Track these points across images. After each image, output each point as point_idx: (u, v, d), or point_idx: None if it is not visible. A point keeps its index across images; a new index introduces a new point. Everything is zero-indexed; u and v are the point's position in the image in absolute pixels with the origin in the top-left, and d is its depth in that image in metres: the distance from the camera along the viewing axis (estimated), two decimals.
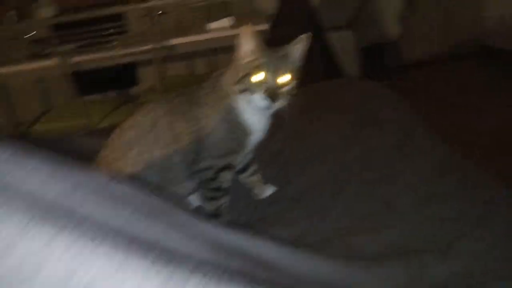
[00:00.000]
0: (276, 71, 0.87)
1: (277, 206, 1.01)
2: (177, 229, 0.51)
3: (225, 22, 2.32)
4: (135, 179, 0.88)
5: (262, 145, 1.01)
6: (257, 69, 0.87)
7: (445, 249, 0.76)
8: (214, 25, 2.31)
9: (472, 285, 0.68)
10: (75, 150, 1.33)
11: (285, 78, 0.89)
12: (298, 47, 0.92)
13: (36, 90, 2.73)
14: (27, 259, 0.30)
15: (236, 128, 0.93)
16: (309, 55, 2.47)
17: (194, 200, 1.03)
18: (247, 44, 0.90)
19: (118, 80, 2.96)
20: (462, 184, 0.95)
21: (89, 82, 2.49)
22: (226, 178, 0.96)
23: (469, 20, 3.90)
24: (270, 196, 1.05)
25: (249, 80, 0.87)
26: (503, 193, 0.90)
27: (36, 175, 0.42)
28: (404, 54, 3.95)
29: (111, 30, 2.39)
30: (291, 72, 0.90)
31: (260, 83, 0.87)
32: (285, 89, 0.89)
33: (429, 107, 2.35)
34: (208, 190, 0.96)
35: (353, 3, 3.40)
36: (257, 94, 0.87)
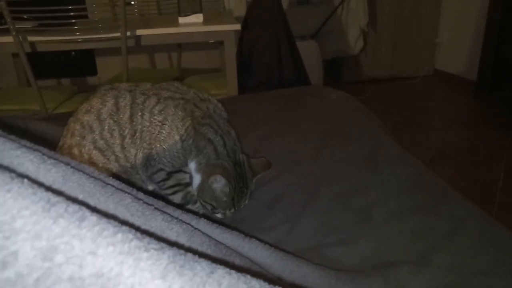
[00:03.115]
0: None
1: (248, 211, 0.98)
2: (173, 224, 0.47)
3: (194, 18, 2.27)
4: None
5: None
6: None
7: (420, 262, 0.77)
8: (183, 20, 2.25)
9: None
10: (32, 133, 1.24)
11: None
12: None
13: None
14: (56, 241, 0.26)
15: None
16: (279, 60, 2.48)
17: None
18: None
19: (75, 67, 2.82)
20: (430, 198, 0.98)
21: (43, 65, 2.34)
22: (182, 177, 0.93)
23: (424, 44, 4.12)
24: None
25: None
26: (469, 208, 0.94)
27: (29, 159, 0.37)
28: (362, 70, 4.10)
29: (72, 13, 2.26)
30: None
31: None
32: None
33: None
34: (167, 188, 0.92)
35: (318, 16, 3.48)
36: None
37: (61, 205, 0.27)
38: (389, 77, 4.09)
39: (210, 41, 2.90)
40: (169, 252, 0.28)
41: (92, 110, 0.90)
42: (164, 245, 0.28)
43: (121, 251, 0.26)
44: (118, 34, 2.01)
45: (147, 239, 0.28)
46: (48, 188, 0.29)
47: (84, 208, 0.28)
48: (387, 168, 1.10)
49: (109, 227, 0.27)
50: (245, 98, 1.86)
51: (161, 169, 0.90)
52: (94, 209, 0.29)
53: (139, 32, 2.12)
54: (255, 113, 1.52)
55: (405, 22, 3.98)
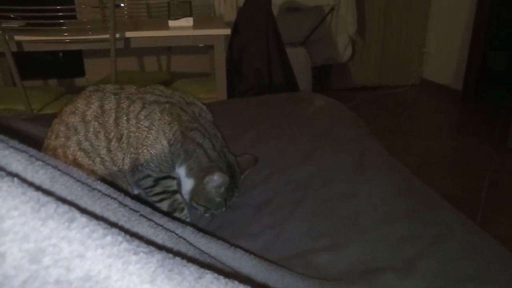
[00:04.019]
0: None
1: (236, 215, 0.97)
2: (160, 230, 0.47)
3: (184, 21, 2.27)
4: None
5: None
6: None
7: (406, 268, 0.77)
8: (173, 23, 2.25)
9: None
10: (16, 133, 1.21)
11: None
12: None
13: None
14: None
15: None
16: (269, 66, 2.48)
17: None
18: None
19: (63, 68, 2.79)
20: (417, 205, 0.99)
21: (31, 65, 2.31)
22: (169, 184, 0.92)
23: (411, 54, 4.18)
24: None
25: None
26: (455, 215, 0.95)
27: (17, 160, 0.36)
28: (350, 78, 4.13)
29: (60, 14, 2.23)
30: None
31: None
32: None
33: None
34: (154, 195, 0.91)
35: (307, 23, 3.51)
36: None
37: (51, 205, 0.27)
38: (377, 85, 4.14)
39: (200, 45, 2.90)
40: (158, 256, 0.27)
41: (77, 111, 0.89)
42: (153, 248, 0.27)
43: (110, 254, 0.26)
44: (107, 36, 2.00)
45: (136, 242, 0.27)
46: (38, 188, 0.28)
47: (74, 209, 0.27)
48: (375, 175, 1.11)
49: (99, 229, 0.27)
50: (233, 102, 1.85)
51: (149, 175, 0.89)
52: (84, 211, 0.28)
53: (128, 34, 2.11)
54: (244, 117, 1.52)
55: (393, 31, 4.03)
